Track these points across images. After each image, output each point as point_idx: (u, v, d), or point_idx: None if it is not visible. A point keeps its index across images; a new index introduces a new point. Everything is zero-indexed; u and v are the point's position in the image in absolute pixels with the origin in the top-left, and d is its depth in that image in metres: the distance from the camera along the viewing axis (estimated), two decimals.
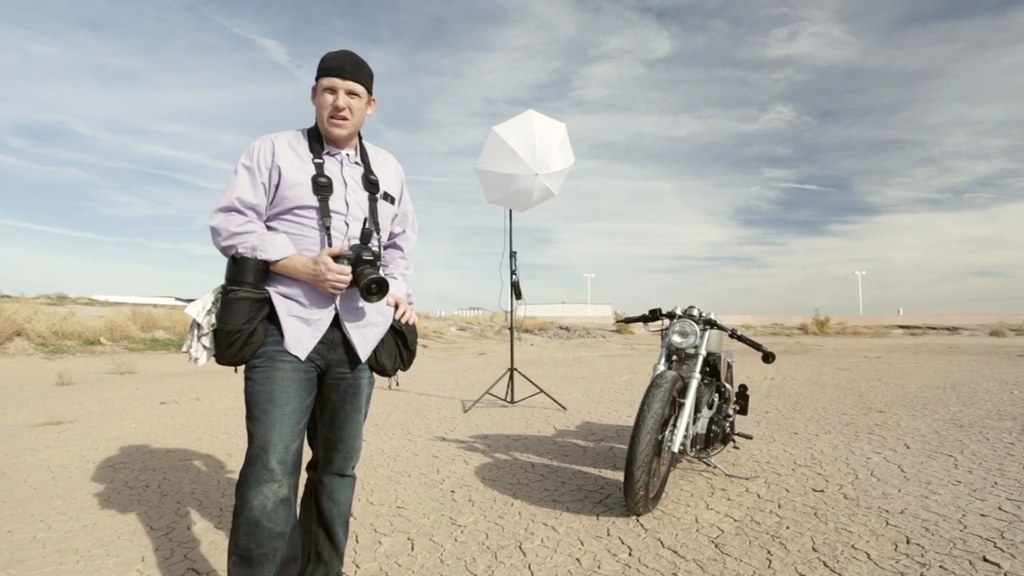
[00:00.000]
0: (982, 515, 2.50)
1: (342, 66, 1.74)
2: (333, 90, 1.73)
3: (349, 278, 1.65)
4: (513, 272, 5.69)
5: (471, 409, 5.64)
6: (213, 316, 1.66)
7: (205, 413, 5.43)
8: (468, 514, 2.71)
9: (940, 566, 2.04)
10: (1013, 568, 2.00)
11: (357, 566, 2.18)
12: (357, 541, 2.41)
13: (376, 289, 1.64)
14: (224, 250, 1.68)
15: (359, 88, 1.76)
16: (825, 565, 2.08)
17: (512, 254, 5.71)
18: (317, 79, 1.76)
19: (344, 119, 1.74)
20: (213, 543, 2.40)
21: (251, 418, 1.64)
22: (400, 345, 1.89)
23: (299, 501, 1.82)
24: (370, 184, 1.82)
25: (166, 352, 11.57)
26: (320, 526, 1.85)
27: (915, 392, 6.28)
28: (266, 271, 1.67)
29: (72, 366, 9.20)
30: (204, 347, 1.67)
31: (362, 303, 1.76)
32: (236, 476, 3.32)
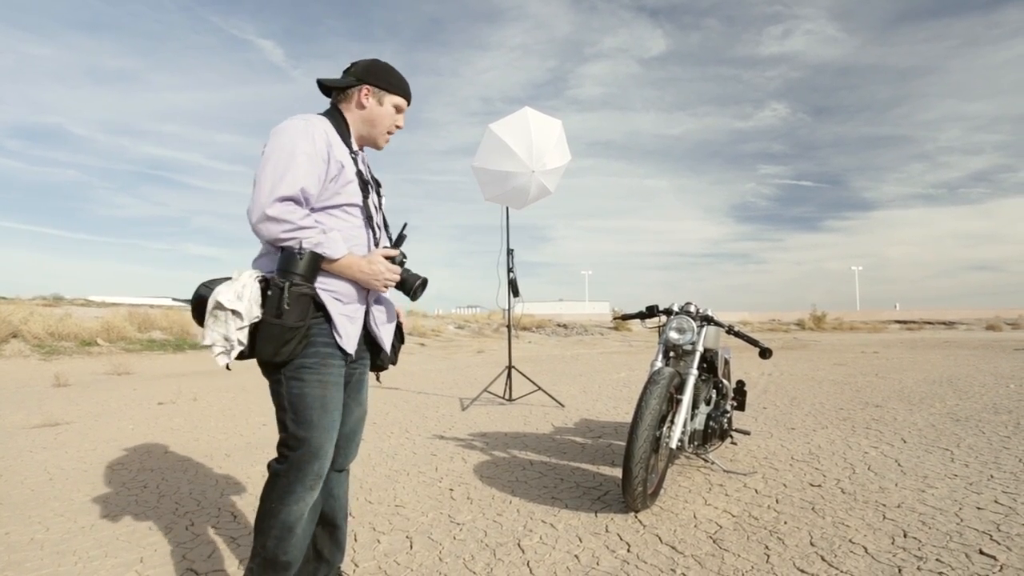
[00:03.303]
0: (978, 508, 2.51)
1: (410, 93, 1.87)
2: (401, 111, 1.84)
3: (399, 278, 1.73)
4: (510, 270, 5.69)
5: (469, 407, 5.64)
6: (256, 307, 1.53)
7: (203, 413, 5.43)
8: (467, 512, 2.72)
9: (937, 559, 2.05)
10: (1009, 560, 2.01)
11: (356, 565, 2.18)
12: (356, 540, 2.41)
13: (422, 289, 1.74)
14: (282, 241, 1.55)
15: None
16: (823, 559, 2.09)
17: (509, 252, 5.71)
18: (387, 91, 1.80)
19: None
20: (212, 543, 2.40)
21: (302, 422, 1.60)
22: (395, 339, 1.95)
23: None
24: (378, 184, 1.89)
25: (163, 353, 11.54)
26: (322, 524, 1.85)
27: (912, 387, 6.30)
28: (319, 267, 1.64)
29: (69, 367, 9.17)
30: (240, 341, 1.52)
31: (381, 301, 1.83)
32: (234, 476, 3.34)
